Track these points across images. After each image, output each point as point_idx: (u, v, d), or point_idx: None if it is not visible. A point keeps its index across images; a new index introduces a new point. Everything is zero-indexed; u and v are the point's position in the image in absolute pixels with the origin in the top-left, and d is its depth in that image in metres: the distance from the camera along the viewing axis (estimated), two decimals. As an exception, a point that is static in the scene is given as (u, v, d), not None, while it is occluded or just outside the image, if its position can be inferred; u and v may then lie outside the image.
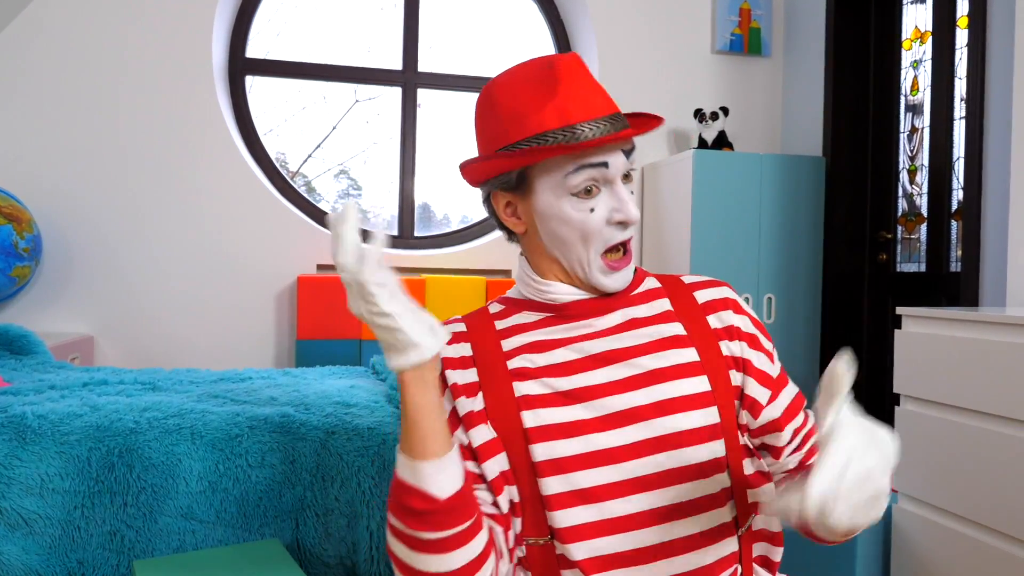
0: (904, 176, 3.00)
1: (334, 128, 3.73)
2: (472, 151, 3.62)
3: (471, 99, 3.56)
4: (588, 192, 0.86)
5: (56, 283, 2.94)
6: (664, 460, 0.84)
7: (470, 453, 0.88)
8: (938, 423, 1.65)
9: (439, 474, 0.77)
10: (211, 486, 1.43)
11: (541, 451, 0.85)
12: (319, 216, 3.30)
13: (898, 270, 3.02)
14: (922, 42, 2.91)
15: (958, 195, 2.71)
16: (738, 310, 0.95)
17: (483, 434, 0.88)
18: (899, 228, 3.03)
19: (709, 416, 0.86)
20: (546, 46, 3.59)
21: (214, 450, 1.45)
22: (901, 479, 1.75)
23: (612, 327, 0.91)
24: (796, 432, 0.95)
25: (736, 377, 0.91)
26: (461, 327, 0.96)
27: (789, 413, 0.94)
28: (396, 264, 3.17)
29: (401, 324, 0.73)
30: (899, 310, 1.77)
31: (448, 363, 0.92)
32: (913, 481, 1.72)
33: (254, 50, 3.32)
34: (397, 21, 3.44)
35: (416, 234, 3.43)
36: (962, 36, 2.70)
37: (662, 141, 3.45)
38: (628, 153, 0.89)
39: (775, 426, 0.92)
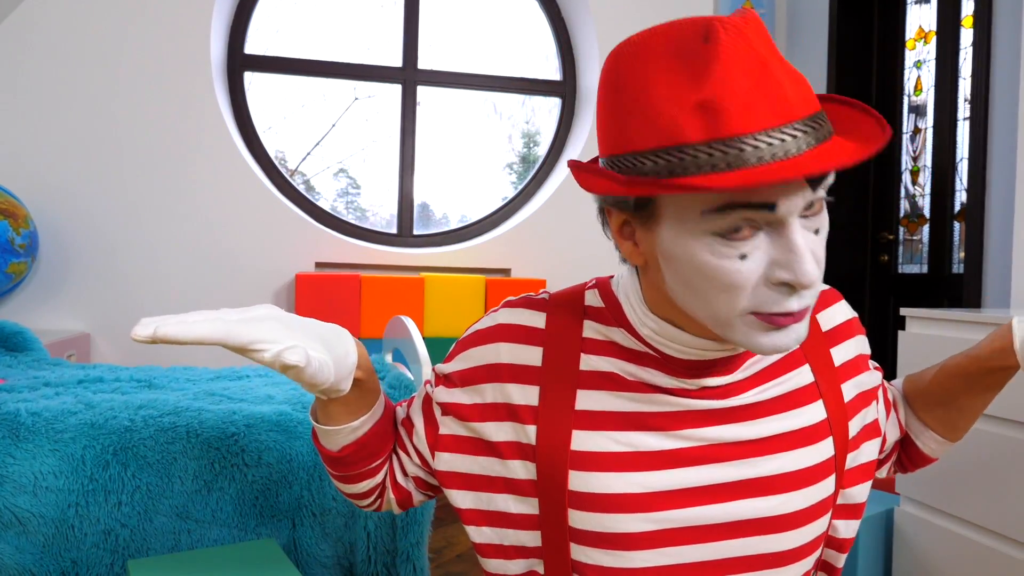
0: (907, 177, 2.99)
1: (333, 126, 3.71)
2: (471, 151, 3.61)
3: (471, 97, 3.55)
4: (737, 231, 0.57)
5: (52, 280, 2.92)
6: (756, 544, 0.69)
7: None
8: (942, 425, 1.63)
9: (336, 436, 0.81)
10: (206, 485, 1.41)
11: (587, 520, 0.68)
12: (318, 214, 3.28)
13: (900, 271, 3.01)
14: (926, 42, 2.90)
15: (961, 196, 2.69)
16: (861, 329, 0.77)
17: (521, 472, 0.71)
18: (901, 229, 3.01)
19: (825, 489, 0.70)
20: (547, 43, 3.58)
21: (210, 449, 1.43)
22: (903, 481, 1.74)
23: (729, 384, 0.69)
24: (888, 413, 0.83)
25: (855, 426, 0.74)
26: (540, 319, 0.73)
27: (886, 408, 0.82)
28: (395, 262, 3.15)
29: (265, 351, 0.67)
30: (903, 311, 1.75)
31: (509, 372, 0.72)
32: (915, 484, 1.70)
33: (253, 46, 3.30)
34: (397, 18, 3.42)
35: (415, 232, 3.41)
36: (967, 36, 2.69)
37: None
38: (818, 181, 0.57)
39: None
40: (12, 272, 2.60)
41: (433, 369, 0.83)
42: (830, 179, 0.58)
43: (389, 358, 2.14)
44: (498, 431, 0.73)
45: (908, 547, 1.74)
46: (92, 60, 2.93)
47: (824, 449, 0.71)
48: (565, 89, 3.53)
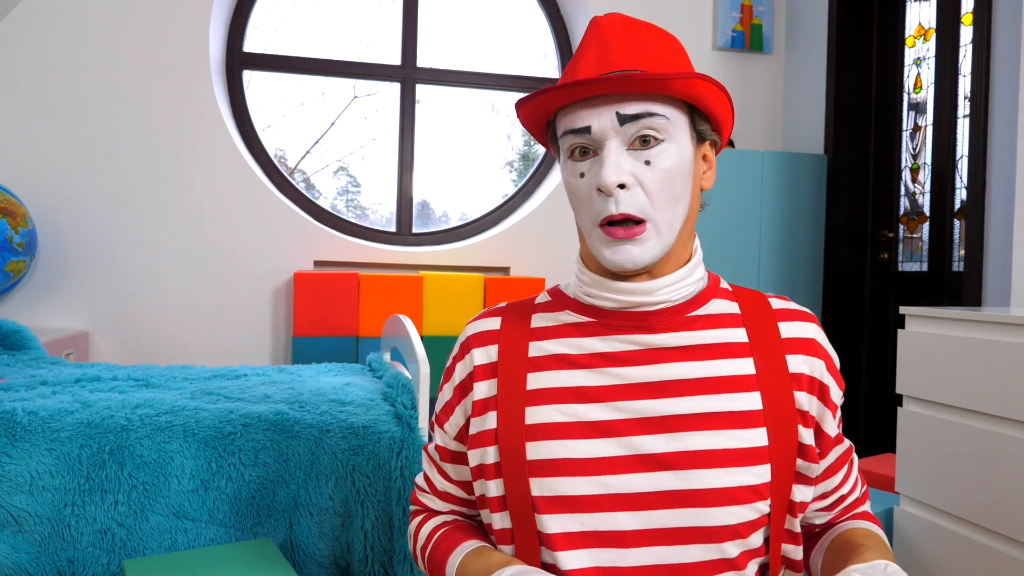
0: (907, 174, 2.98)
1: (332, 124, 3.71)
2: (471, 149, 3.60)
3: (470, 95, 3.54)
4: (584, 154, 0.76)
5: (51, 278, 2.91)
6: (688, 516, 0.74)
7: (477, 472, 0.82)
8: (941, 424, 1.63)
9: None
10: (203, 484, 1.41)
11: (544, 485, 0.76)
12: (317, 212, 3.28)
13: (900, 269, 3.00)
14: (926, 39, 2.89)
15: (961, 194, 2.69)
16: (825, 356, 0.81)
17: (489, 457, 0.80)
18: (901, 227, 3.00)
19: (758, 475, 0.75)
20: (545, 41, 3.57)
21: (207, 448, 1.43)
22: (903, 481, 1.73)
23: (665, 349, 0.78)
24: (830, 493, 0.85)
25: (804, 433, 0.78)
26: (495, 323, 0.85)
27: (829, 471, 0.84)
28: (393, 261, 3.15)
29: None
30: (903, 310, 1.75)
31: (479, 372, 0.83)
32: (915, 483, 1.70)
33: (252, 45, 3.29)
34: (396, 16, 3.41)
35: (414, 231, 3.41)
36: (966, 33, 2.68)
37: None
38: (634, 117, 0.73)
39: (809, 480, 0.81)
40: (11, 270, 2.60)
41: (431, 423, 0.92)
42: (650, 119, 0.73)
43: (387, 357, 2.13)
44: (474, 425, 0.82)
45: (908, 547, 1.73)
46: (91, 58, 2.92)
47: (753, 437, 0.75)
48: (564, 87, 3.51)
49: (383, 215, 3.52)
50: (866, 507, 0.89)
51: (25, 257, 2.64)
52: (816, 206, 3.11)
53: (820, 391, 0.79)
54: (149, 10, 2.96)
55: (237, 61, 3.24)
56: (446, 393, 0.87)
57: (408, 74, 3.40)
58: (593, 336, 0.80)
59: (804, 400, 0.78)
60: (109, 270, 2.94)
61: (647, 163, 0.74)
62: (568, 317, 0.82)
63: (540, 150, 3.62)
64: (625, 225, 0.74)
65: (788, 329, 0.80)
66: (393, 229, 3.39)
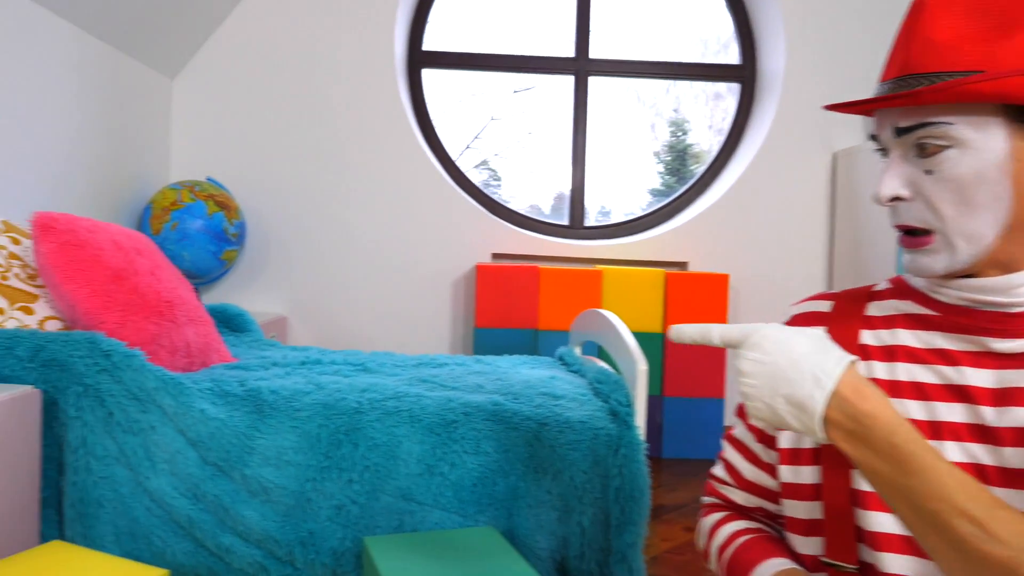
0: None
1: (492, 119, 3.77)
2: (614, 141, 3.52)
3: (612, 85, 3.47)
4: (886, 154, 0.75)
5: (255, 266, 3.15)
6: None
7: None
8: None
9: None
10: (428, 469, 1.46)
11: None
12: (492, 206, 3.33)
13: None
14: None
15: None
16: None
17: (806, 441, 0.76)
18: None
19: None
20: (725, 28, 3.44)
21: (431, 434, 1.47)
22: None
23: (1016, 355, 0.69)
24: None
25: None
26: (825, 306, 0.82)
27: None
28: (567, 254, 3.15)
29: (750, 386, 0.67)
30: None
31: None
32: None
33: (425, 43, 3.39)
34: (563, 9, 3.40)
35: (586, 224, 3.39)
36: None
37: (857, 122, 3.21)
38: (907, 130, 0.69)
39: None
40: (225, 259, 2.82)
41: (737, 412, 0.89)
42: (926, 129, 0.68)
43: (579, 351, 2.13)
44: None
45: None
46: (292, 65, 3.12)
47: None
48: (745, 73, 3.37)
49: (533, 206, 3.56)
50: None
51: (237, 247, 2.87)
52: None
53: None
54: (342, 15, 3.12)
55: (417, 59, 3.35)
56: None
57: (581, 66, 3.38)
58: (934, 331, 0.74)
59: None
60: (306, 260, 3.14)
61: (928, 172, 0.69)
62: (909, 308, 0.77)
63: (690, 140, 3.50)
64: (913, 234, 0.71)
65: None
66: (566, 222, 3.39)
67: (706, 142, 3.65)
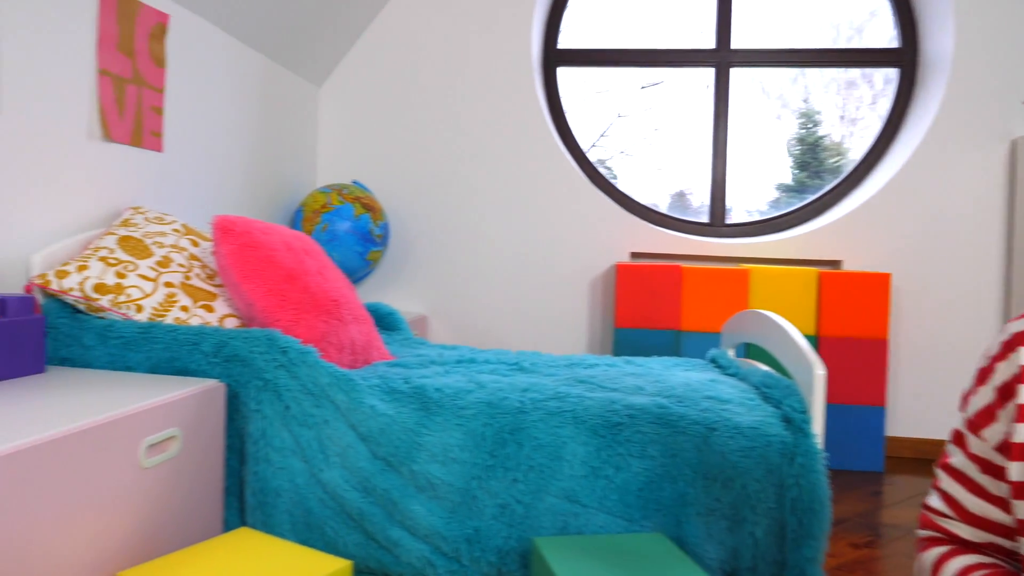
0: None
1: (619, 116, 3.70)
2: (740, 135, 3.36)
3: (758, 76, 3.30)
4: None
5: (396, 267, 3.24)
6: None
7: None
8: None
9: None
10: (593, 471, 1.43)
11: None
12: (629, 204, 3.27)
13: None
14: None
15: None
16: None
17: None
18: None
19: None
20: (857, 12, 3.21)
21: (596, 436, 1.44)
22: None
23: None
24: None
25: None
26: None
27: None
28: (708, 253, 3.04)
29: None
30: None
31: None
32: None
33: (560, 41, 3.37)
34: (696, 1, 3.29)
35: (727, 222, 3.27)
36: None
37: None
38: None
39: None
40: (370, 259, 2.92)
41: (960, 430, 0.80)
42: None
43: (732, 353, 2.04)
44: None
45: None
46: (430, 69, 3.19)
47: None
48: (904, 57, 3.14)
49: (657, 207, 3.44)
50: None
51: (381, 247, 2.96)
52: None
53: None
54: (478, 17, 3.16)
55: (552, 58, 3.33)
56: (983, 396, 0.75)
57: (723, 57, 3.26)
58: None
59: None
60: (445, 259, 3.20)
61: None
62: None
63: (822, 132, 3.28)
64: None
65: None
66: (706, 220, 3.28)
67: (837, 133, 3.44)
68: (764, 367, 1.75)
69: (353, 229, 2.83)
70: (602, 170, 3.73)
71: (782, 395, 1.48)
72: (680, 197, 3.42)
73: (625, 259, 3.10)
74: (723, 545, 1.40)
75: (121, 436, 1.21)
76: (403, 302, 3.24)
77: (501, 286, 3.17)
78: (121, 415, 1.21)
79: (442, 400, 1.49)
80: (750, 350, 2.08)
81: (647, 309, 2.83)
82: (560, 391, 1.54)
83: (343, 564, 1.18)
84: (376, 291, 3.26)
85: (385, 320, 2.34)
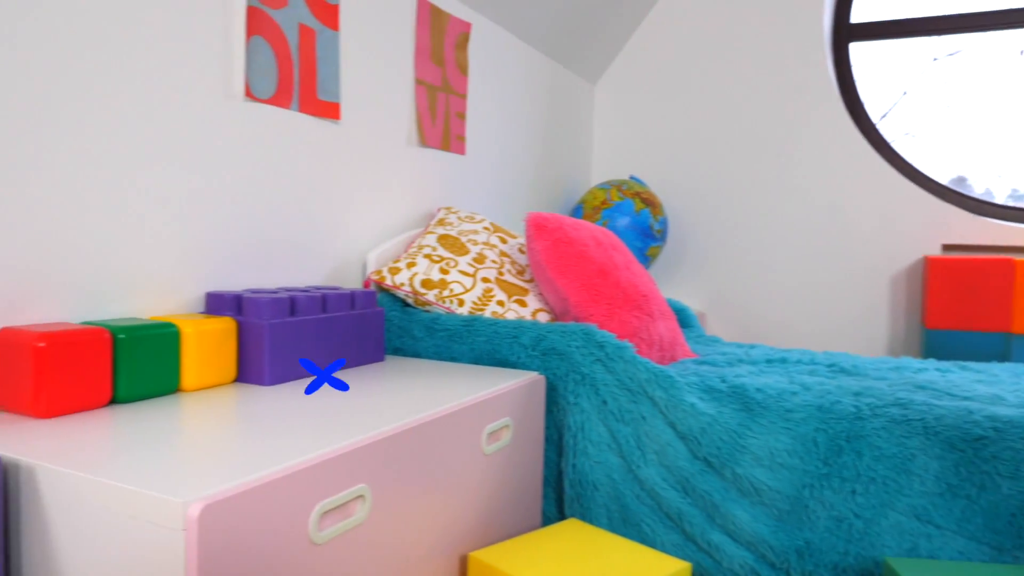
0: None
1: (904, 94, 3.28)
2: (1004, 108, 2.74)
3: (986, 41, 2.72)
4: None
5: (674, 262, 3.18)
6: None
7: None
8: None
9: None
10: (950, 489, 1.27)
11: None
12: (937, 190, 2.91)
13: None
14: None
15: None
16: None
17: None
18: None
19: None
20: None
21: (952, 450, 1.28)
22: None
23: None
24: None
25: None
26: None
27: None
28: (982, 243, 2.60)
29: None
30: None
31: None
32: None
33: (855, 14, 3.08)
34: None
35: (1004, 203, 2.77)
36: None
37: None
38: None
39: None
40: (650, 255, 2.89)
41: None
42: None
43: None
44: None
45: None
46: (707, 57, 3.08)
47: None
48: None
49: (975, 194, 2.97)
50: None
51: (661, 243, 2.92)
52: None
53: None
54: (765, -4, 2.99)
55: (844, 34, 3.06)
56: None
57: (1062, 13, 2.77)
58: None
59: None
60: (725, 254, 3.08)
61: None
62: None
63: None
64: None
65: None
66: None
67: None
68: None
69: (633, 225, 2.83)
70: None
71: None
72: (959, 182, 2.98)
73: (935, 251, 2.76)
74: None
75: (469, 422, 1.30)
76: (680, 298, 3.18)
77: (788, 281, 2.98)
78: (470, 402, 1.30)
79: (766, 401, 1.42)
80: None
81: (968, 308, 2.49)
82: (900, 397, 1.39)
83: (683, 565, 1.16)
84: (651, 287, 3.23)
85: (677, 317, 2.29)
